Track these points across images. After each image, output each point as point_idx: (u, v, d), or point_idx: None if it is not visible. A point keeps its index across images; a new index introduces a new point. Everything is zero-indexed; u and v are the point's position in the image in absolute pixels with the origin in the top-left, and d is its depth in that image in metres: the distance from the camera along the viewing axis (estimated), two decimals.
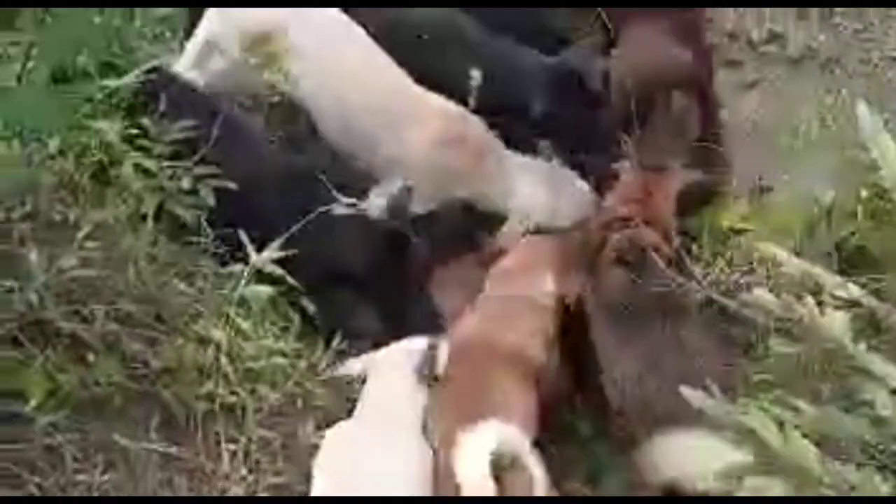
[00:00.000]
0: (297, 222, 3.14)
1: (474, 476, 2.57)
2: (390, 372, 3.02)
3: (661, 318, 3.00)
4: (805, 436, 2.20)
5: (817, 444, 2.20)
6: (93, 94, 3.01)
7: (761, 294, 2.60)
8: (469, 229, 3.71)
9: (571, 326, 3.18)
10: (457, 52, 3.75)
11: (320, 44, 3.60)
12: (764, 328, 3.07)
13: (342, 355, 3.22)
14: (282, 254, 3.06)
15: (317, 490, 2.77)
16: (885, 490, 2.16)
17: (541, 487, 2.70)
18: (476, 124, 3.65)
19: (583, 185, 3.74)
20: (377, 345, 3.15)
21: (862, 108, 2.59)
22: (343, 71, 3.62)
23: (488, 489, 2.56)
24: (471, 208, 3.69)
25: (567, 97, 3.66)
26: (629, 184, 3.29)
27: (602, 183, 3.54)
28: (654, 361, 2.93)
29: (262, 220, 3.18)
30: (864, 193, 3.41)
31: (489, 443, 2.62)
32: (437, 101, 3.64)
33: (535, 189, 3.68)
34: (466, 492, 2.58)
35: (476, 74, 3.68)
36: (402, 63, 3.66)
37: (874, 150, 2.58)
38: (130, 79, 3.12)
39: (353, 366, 3.12)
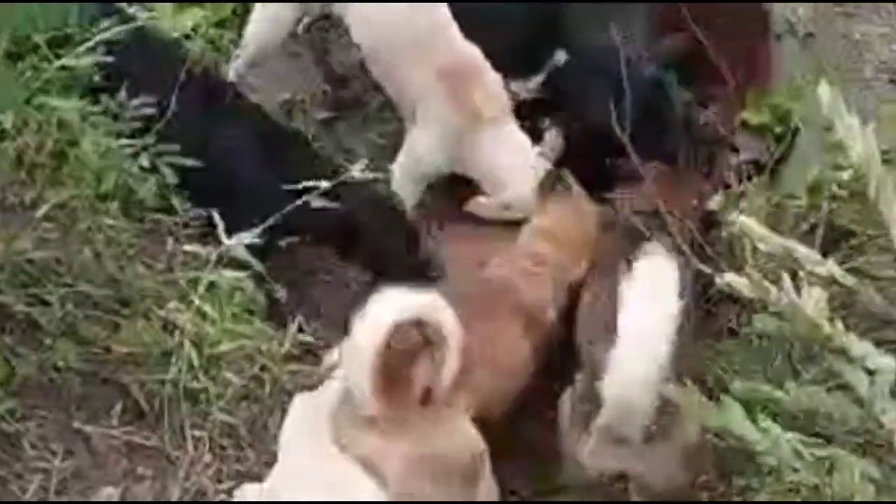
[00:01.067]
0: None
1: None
2: None
3: None
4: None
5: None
6: (49, 70, 2.92)
7: (733, 277, 2.56)
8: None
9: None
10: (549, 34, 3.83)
11: None
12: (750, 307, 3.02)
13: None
14: (255, 240, 2.97)
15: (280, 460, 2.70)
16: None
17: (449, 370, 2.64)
18: (490, 78, 3.66)
19: None
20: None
21: (823, 88, 2.54)
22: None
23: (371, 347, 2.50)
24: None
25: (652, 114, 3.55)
26: (656, 181, 3.35)
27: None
28: None
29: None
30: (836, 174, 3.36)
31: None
32: (461, 42, 3.68)
33: (518, 173, 3.57)
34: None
35: (560, 56, 3.77)
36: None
37: (840, 131, 2.54)
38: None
39: (331, 357, 3.03)
